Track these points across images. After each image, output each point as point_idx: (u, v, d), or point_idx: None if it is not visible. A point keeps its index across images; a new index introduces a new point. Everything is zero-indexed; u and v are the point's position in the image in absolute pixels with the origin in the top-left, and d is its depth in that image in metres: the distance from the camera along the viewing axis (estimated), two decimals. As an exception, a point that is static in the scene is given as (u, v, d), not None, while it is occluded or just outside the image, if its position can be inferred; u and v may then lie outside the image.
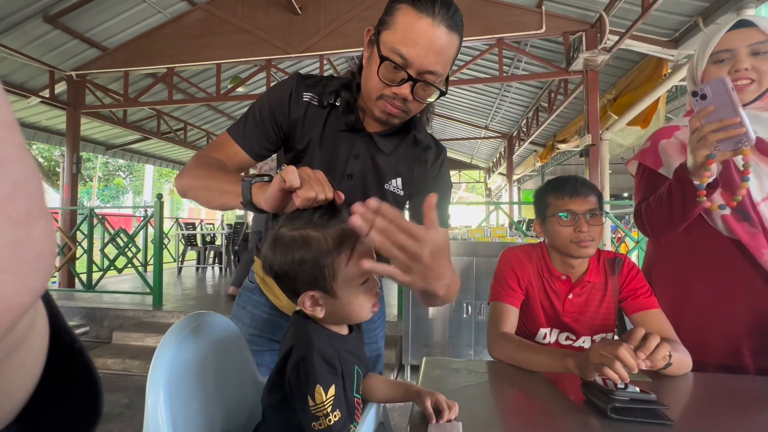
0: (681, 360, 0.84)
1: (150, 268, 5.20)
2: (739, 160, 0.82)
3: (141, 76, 5.02)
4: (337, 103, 0.80)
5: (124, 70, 4.44)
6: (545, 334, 1.10)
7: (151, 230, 4.19)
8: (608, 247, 3.75)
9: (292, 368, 0.54)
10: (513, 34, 3.65)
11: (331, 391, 0.52)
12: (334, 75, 0.85)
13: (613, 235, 4.35)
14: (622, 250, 4.40)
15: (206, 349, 0.70)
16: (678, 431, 0.63)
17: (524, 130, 6.87)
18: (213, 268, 6.83)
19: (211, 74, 5.00)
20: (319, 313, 0.57)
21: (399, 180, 0.84)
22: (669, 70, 3.45)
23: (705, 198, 0.80)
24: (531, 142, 6.91)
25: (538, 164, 7.74)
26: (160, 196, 3.72)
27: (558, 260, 1.09)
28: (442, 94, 0.71)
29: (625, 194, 14.56)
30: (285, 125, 0.81)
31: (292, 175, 0.52)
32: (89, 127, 6.12)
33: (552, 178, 1.10)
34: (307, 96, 0.81)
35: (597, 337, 1.08)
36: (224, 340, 0.76)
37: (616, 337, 1.14)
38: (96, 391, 0.19)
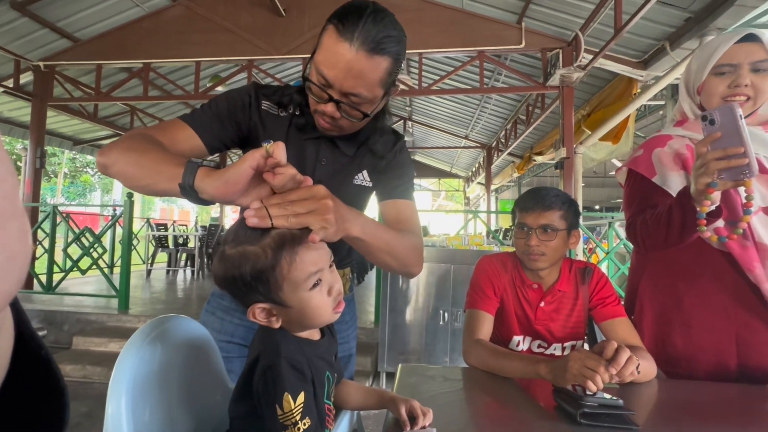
0: (646, 368, 0.87)
1: (117, 270, 4.97)
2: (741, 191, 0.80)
3: (114, 70, 4.84)
4: (297, 113, 0.81)
5: (96, 63, 4.27)
6: (518, 341, 1.12)
7: (119, 230, 4.02)
8: (580, 257, 3.88)
9: (259, 377, 0.52)
10: (494, 47, 3.75)
11: (301, 398, 0.51)
12: (289, 84, 0.86)
13: (585, 246, 4.50)
14: (593, 260, 4.55)
15: (173, 355, 0.67)
16: (643, 436, 0.65)
17: (503, 141, 7.04)
18: (185, 271, 6.60)
19: (190, 72, 4.89)
20: (275, 323, 0.55)
21: (365, 173, 0.86)
22: (638, 90, 3.63)
23: (705, 227, 0.77)
24: (509, 153, 7.08)
25: (516, 175, 7.94)
26: (130, 195, 3.58)
27: (528, 269, 1.11)
28: (365, 116, 0.72)
29: (597, 206, 15.12)
30: (245, 127, 0.80)
31: (281, 150, 0.50)
32: (56, 120, 5.84)
33: (529, 189, 1.13)
34: (265, 105, 0.81)
35: (567, 345, 1.10)
36: (193, 346, 0.73)
37: (585, 345, 1.17)
38: (62, 400, 0.19)
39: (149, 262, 6.08)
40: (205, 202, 0.56)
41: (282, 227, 0.51)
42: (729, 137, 0.72)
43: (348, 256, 0.94)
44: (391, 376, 2.61)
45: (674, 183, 0.93)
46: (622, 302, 1.08)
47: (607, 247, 3.62)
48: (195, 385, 0.70)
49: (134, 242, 5.63)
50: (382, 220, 0.84)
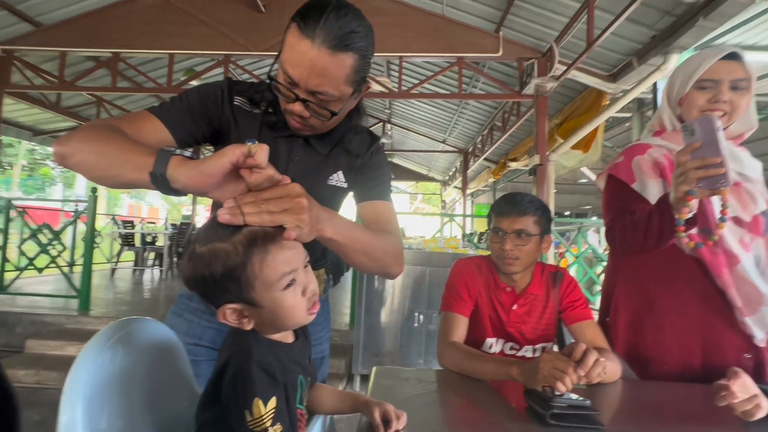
0: (611, 369, 0.90)
1: (78, 269, 4.71)
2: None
3: (80, 59, 4.60)
4: (270, 109, 0.80)
5: (61, 50, 4.04)
6: (491, 343, 1.14)
7: (82, 227, 3.81)
8: (551, 260, 4.00)
9: (228, 382, 0.50)
10: (472, 54, 3.82)
11: (272, 403, 0.49)
12: (262, 81, 0.84)
13: (556, 251, 4.65)
14: (563, 264, 4.71)
15: (137, 359, 0.64)
16: (608, 436, 0.67)
17: (479, 146, 7.19)
18: (152, 270, 6.34)
19: (163, 64, 4.71)
20: (246, 325, 0.53)
21: (340, 173, 0.85)
22: (607, 102, 3.79)
23: (684, 234, 0.81)
24: (485, 159, 7.23)
25: (491, 180, 8.11)
26: (95, 190, 3.40)
27: (503, 272, 1.13)
28: (333, 115, 0.71)
29: (567, 212, 15.68)
30: (216, 122, 0.78)
31: (263, 153, 0.49)
32: (13, 109, 5.49)
33: (504, 194, 1.15)
34: (237, 101, 0.79)
35: (538, 347, 1.13)
36: (159, 349, 0.70)
37: (555, 347, 1.21)
38: (9, 407, 0.17)
39: (114, 261, 5.80)
40: (177, 192, 0.54)
41: (255, 224, 0.50)
42: (708, 148, 0.75)
43: (323, 257, 0.93)
44: (365, 378, 2.59)
45: (652, 190, 0.97)
46: (591, 305, 1.12)
47: (577, 252, 3.75)
48: (160, 391, 0.67)
49: (98, 240, 5.35)
50: (360, 222, 0.83)
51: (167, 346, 0.72)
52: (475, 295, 1.13)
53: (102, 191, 3.63)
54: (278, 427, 0.49)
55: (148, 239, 6.43)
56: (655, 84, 3.29)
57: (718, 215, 0.93)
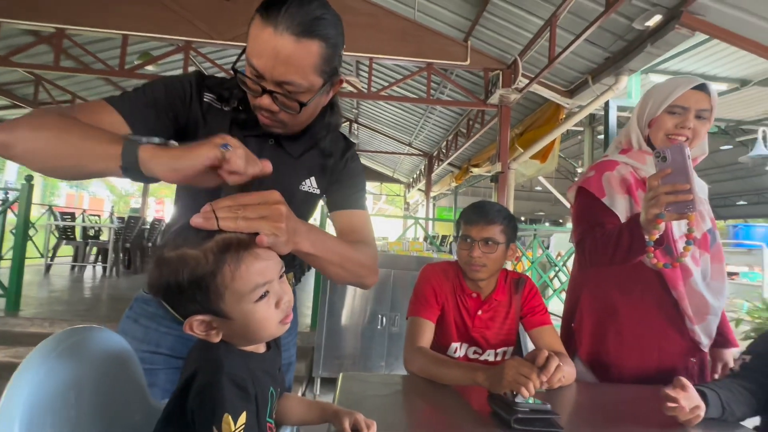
0: (567, 373, 0.95)
1: (5, 263, 4.24)
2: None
3: (16, 32, 4.17)
4: (241, 107, 0.76)
5: (-7, 20, 3.63)
6: (456, 348, 1.16)
7: (11, 217, 3.44)
8: (507, 265, 4.17)
9: (195, 395, 0.47)
10: (441, 61, 3.90)
11: (242, 418, 0.47)
12: (233, 77, 0.80)
13: (512, 255, 4.85)
14: (518, 268, 4.93)
15: (85, 371, 0.58)
16: (567, 438, 0.71)
17: (444, 151, 7.35)
18: (95, 267, 5.86)
19: (115, 44, 4.37)
20: (214, 337, 0.50)
21: (313, 179, 0.83)
22: (564, 116, 4.02)
23: (653, 254, 0.87)
24: (449, 163, 7.41)
25: (454, 184, 8.33)
26: (30, 178, 3.09)
27: (466, 277, 1.16)
28: (302, 106, 0.68)
29: (522, 218, 16.45)
30: (183, 119, 0.74)
31: (240, 160, 0.48)
32: (-68, 81, 4.86)
33: (473, 203, 1.18)
34: (207, 97, 0.75)
35: (500, 351, 1.17)
36: (110, 361, 0.64)
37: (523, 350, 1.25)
38: None
39: (49, 255, 5.29)
40: (150, 180, 0.52)
41: (229, 230, 0.48)
42: (678, 175, 0.80)
43: (292, 261, 0.90)
44: (326, 381, 2.56)
45: (620, 205, 1.03)
46: (548, 312, 1.17)
47: (532, 256, 3.94)
48: (110, 406, 0.62)
49: (30, 232, 4.86)
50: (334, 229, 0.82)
51: (119, 356, 0.66)
52: (442, 300, 1.15)
53: (37, 179, 3.27)
54: None
55: (91, 233, 5.93)
56: (607, 102, 3.54)
57: (679, 236, 1.01)
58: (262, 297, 0.50)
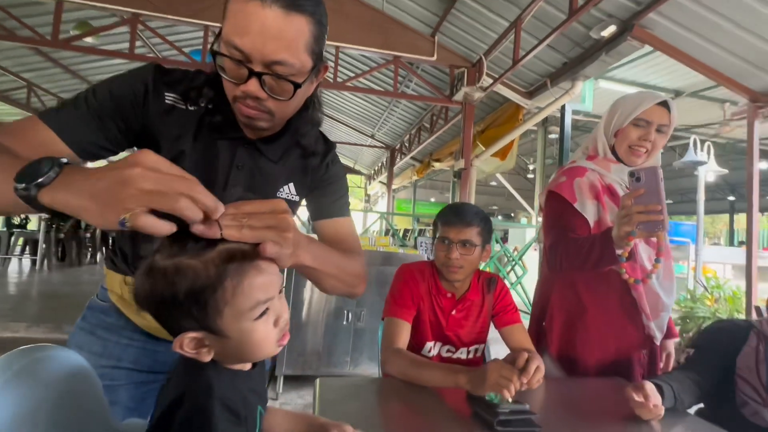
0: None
1: None
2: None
3: None
4: (210, 106, 0.68)
5: None
6: (430, 347, 1.17)
7: None
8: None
9: (182, 422, 0.43)
10: (409, 54, 3.89)
11: None
12: (200, 70, 0.71)
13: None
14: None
15: (38, 399, 0.51)
16: (545, 435, 0.74)
17: (406, 145, 7.39)
18: (21, 260, 5.27)
19: (46, 10, 3.88)
20: (205, 356, 0.46)
21: (291, 185, 0.78)
22: (523, 116, 4.18)
23: (624, 270, 0.95)
24: (411, 157, 7.47)
25: (415, 177, 8.42)
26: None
27: (442, 278, 1.18)
28: (297, 87, 0.61)
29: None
30: (137, 125, 0.66)
31: (204, 199, 0.40)
32: None
33: (450, 204, 1.19)
34: (169, 98, 0.66)
35: (472, 348, 1.20)
36: (67, 383, 0.57)
37: (491, 348, 1.30)
38: None
39: (-35, 246, 4.68)
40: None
41: (233, 239, 0.43)
42: (650, 195, 0.84)
43: None
44: (289, 379, 2.50)
45: (590, 210, 1.09)
46: (518, 310, 1.22)
47: (490, 251, 4.09)
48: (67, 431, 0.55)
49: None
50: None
51: (77, 378, 0.59)
52: (418, 300, 1.15)
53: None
54: None
55: (16, 221, 5.31)
56: (563, 106, 3.73)
57: (646, 255, 1.09)
58: (261, 315, 0.46)
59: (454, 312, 1.17)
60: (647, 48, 2.94)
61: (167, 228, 0.39)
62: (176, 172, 0.41)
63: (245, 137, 0.70)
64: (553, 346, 1.15)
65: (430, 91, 4.41)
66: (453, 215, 1.12)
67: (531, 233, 5.01)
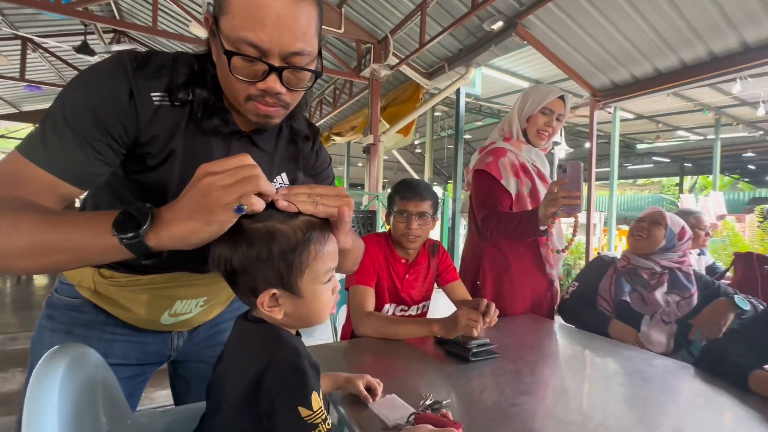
0: None
1: None
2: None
3: None
4: (189, 97, 0.62)
5: None
6: (388, 309, 1.33)
7: None
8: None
9: (278, 380, 0.48)
10: (315, 24, 3.76)
11: (318, 397, 0.51)
12: (179, 53, 0.64)
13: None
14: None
15: (82, 393, 0.49)
16: (502, 360, 0.97)
17: (306, 117, 7.16)
18: None
19: None
20: (277, 314, 0.52)
21: (284, 175, 0.79)
22: (422, 95, 4.51)
23: (549, 242, 1.24)
24: (311, 130, 7.29)
25: (315, 151, 8.26)
26: None
27: (398, 246, 1.33)
28: (318, 76, 0.61)
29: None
30: (127, 138, 0.58)
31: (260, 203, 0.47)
32: None
33: (404, 180, 1.33)
34: (156, 97, 0.59)
35: (420, 305, 1.40)
36: (96, 377, 0.54)
37: (431, 303, 1.51)
38: None
39: None
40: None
41: (308, 212, 0.51)
42: (573, 184, 1.08)
43: None
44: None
45: (512, 185, 1.34)
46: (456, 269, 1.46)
47: (437, 220, 4.44)
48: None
49: None
50: None
51: (101, 370, 0.57)
52: (378, 268, 1.28)
53: None
54: (328, 418, 0.51)
55: None
56: (458, 89, 4.14)
57: (567, 231, 1.45)
58: (328, 281, 0.54)
59: (407, 276, 1.34)
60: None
61: (263, 204, 0.48)
62: (233, 164, 0.47)
63: (239, 130, 0.67)
64: (488, 297, 1.42)
65: (339, 64, 4.38)
66: (410, 191, 1.26)
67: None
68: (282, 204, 0.49)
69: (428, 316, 1.40)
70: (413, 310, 1.38)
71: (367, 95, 4.34)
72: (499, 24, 3.27)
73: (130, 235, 0.44)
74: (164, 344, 0.80)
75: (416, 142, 10.65)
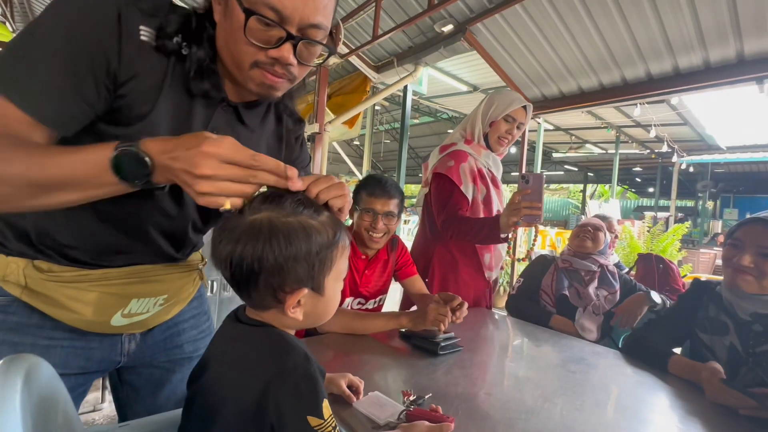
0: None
1: None
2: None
3: None
4: (183, 51, 0.57)
5: None
6: (349, 303, 1.32)
7: None
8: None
9: (288, 390, 0.44)
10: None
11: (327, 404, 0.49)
12: (177, 5, 0.58)
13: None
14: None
15: (29, 408, 0.41)
16: (466, 353, 1.02)
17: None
18: None
19: None
20: (299, 314, 0.49)
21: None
22: (369, 88, 4.49)
23: (507, 246, 1.33)
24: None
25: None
26: None
27: (360, 243, 1.32)
28: (332, 53, 0.62)
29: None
30: (107, 72, 0.51)
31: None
32: None
33: (371, 175, 1.31)
34: (145, 33, 0.53)
35: (377, 299, 1.41)
36: (47, 391, 0.45)
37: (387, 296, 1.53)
38: None
39: None
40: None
41: (336, 207, 0.51)
42: (534, 195, 1.12)
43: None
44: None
45: (470, 191, 1.40)
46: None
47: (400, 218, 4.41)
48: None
49: None
50: None
51: (53, 383, 0.48)
52: (341, 264, 1.26)
53: None
54: (337, 426, 0.49)
55: None
56: (406, 86, 4.20)
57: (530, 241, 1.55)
58: (343, 278, 0.52)
59: (366, 271, 1.34)
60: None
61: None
62: (241, 158, 0.46)
63: (227, 99, 0.63)
64: (434, 292, 1.48)
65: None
66: (377, 188, 1.25)
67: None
68: (296, 186, 0.47)
69: (383, 309, 1.42)
70: (370, 304, 1.38)
71: (313, 81, 4.19)
72: (450, 27, 3.38)
73: (141, 180, 0.46)
74: (113, 349, 0.69)
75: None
